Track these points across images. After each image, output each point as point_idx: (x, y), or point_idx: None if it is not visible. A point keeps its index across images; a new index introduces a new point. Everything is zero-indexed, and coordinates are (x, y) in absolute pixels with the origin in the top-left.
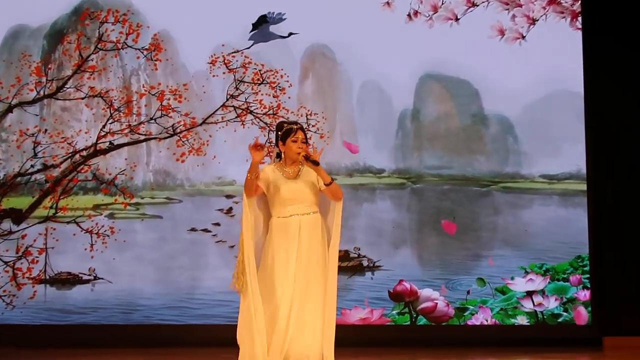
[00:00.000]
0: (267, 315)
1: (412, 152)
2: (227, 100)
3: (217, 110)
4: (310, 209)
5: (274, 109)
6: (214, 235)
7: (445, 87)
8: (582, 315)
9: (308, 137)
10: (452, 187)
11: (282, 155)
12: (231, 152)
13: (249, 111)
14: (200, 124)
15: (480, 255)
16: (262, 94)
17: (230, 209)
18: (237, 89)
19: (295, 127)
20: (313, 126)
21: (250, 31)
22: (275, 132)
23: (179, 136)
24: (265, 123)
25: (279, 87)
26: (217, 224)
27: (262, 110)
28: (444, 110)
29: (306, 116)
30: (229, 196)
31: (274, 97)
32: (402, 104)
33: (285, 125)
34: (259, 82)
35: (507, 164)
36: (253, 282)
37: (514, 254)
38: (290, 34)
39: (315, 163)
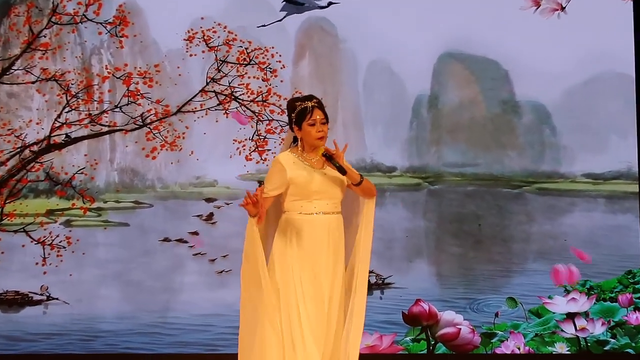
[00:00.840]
0: (284, 340)
1: (429, 146)
2: (208, 84)
3: (195, 96)
4: (336, 208)
5: (264, 95)
6: (191, 246)
7: (469, 68)
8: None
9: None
10: (477, 188)
11: (300, 141)
12: (212, 147)
13: (233, 97)
14: (175, 113)
15: (511, 270)
16: (249, 77)
17: (211, 215)
18: (219, 70)
19: (310, 104)
20: None
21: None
22: (287, 113)
23: (149, 128)
24: (253, 112)
25: (270, 68)
26: (195, 233)
27: (249, 97)
28: (467, 96)
29: None
30: (209, 200)
31: (263, 80)
32: (417, 89)
33: (298, 104)
34: (246, 62)
35: (543, 160)
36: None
37: (551, 269)
38: (330, 3)
39: (341, 170)
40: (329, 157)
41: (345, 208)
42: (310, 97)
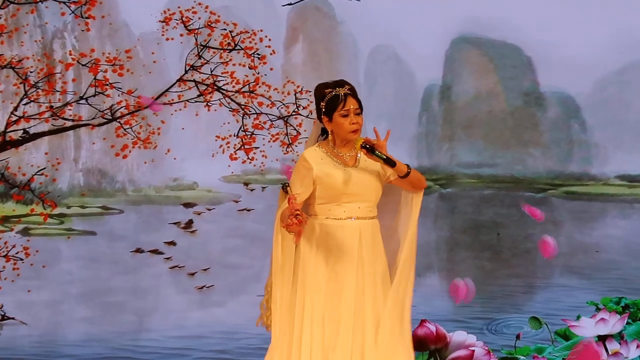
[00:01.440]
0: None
1: (441, 143)
2: (186, 72)
3: (172, 86)
4: (371, 212)
5: (251, 85)
6: (168, 258)
7: (486, 54)
8: None
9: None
10: (495, 192)
11: (330, 134)
12: (192, 144)
13: (215, 88)
14: (150, 106)
15: (534, 285)
16: (234, 65)
17: (190, 222)
18: (199, 57)
19: (342, 91)
20: (304, 108)
21: None
22: (315, 101)
23: (119, 122)
24: (239, 105)
25: (258, 54)
26: (172, 243)
27: (234, 87)
28: (484, 87)
29: (295, 94)
30: (188, 205)
31: (250, 68)
32: (427, 78)
33: (328, 91)
34: (230, 48)
35: (572, 160)
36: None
37: (581, 284)
38: None
39: (388, 162)
40: (370, 149)
41: (384, 207)
42: (341, 83)
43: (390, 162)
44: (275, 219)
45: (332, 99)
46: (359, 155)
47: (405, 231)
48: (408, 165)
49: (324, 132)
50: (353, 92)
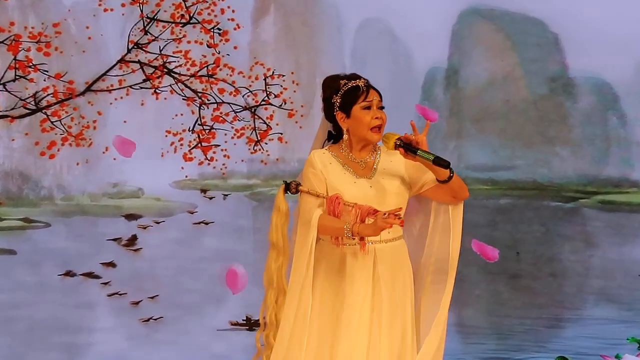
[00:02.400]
0: None
1: (446, 141)
2: (129, 52)
3: (111, 69)
4: (390, 233)
5: (210, 68)
6: (105, 283)
7: (502, 30)
8: None
9: (268, 113)
10: (513, 200)
11: (345, 135)
12: (136, 141)
13: (165, 71)
14: (83, 93)
15: (562, 317)
16: (188, 42)
17: (134, 238)
18: (145, 32)
19: (361, 83)
20: (276, 96)
21: None
22: (325, 97)
23: (45, 114)
24: (195, 92)
25: (218, 29)
26: (111, 265)
27: (188, 70)
28: (501, 71)
29: (264, 79)
30: (131, 216)
31: (209, 46)
32: (429, 60)
33: (344, 82)
34: (184, 21)
35: (608, 161)
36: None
37: (620, 315)
38: None
39: (439, 162)
40: (409, 147)
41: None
42: (356, 76)
43: (442, 162)
44: (302, 229)
45: (351, 90)
46: (377, 160)
47: (441, 258)
48: (450, 166)
49: (332, 136)
50: (373, 86)
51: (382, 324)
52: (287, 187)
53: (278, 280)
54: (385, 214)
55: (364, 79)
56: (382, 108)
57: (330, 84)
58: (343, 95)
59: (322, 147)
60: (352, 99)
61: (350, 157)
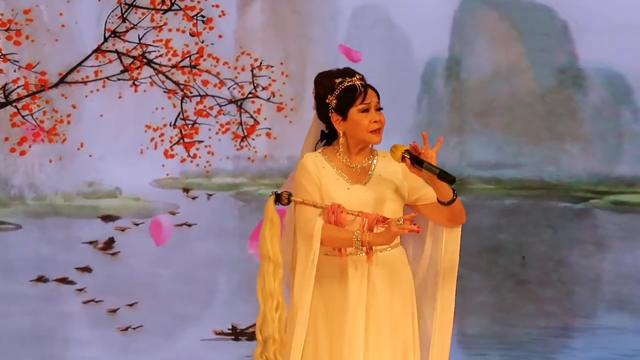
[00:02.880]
0: None
1: (448, 136)
2: (106, 41)
3: (86, 59)
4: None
5: (193, 58)
6: (80, 289)
7: (508, 18)
8: None
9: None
10: (519, 201)
11: (340, 137)
12: (113, 137)
13: (145, 61)
14: (56, 85)
15: (571, 327)
16: (170, 30)
17: (111, 241)
18: (124, 20)
19: (358, 82)
20: (264, 88)
21: None
22: (317, 96)
23: (15, 107)
24: (177, 84)
25: (202, 17)
26: (86, 270)
27: (170, 60)
28: (506, 62)
29: (251, 70)
30: (108, 218)
31: (192, 35)
32: (429, 50)
33: (338, 80)
34: (165, 7)
35: (621, 159)
36: None
37: (633, 325)
38: None
39: (444, 176)
40: (416, 159)
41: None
42: (351, 72)
43: (447, 178)
44: (302, 243)
45: (346, 90)
46: (373, 165)
47: (434, 284)
48: (454, 189)
49: (325, 136)
50: (370, 85)
51: (380, 340)
52: (278, 198)
53: (278, 295)
54: (399, 220)
55: (359, 74)
56: (380, 109)
57: (324, 82)
58: (339, 96)
59: (315, 149)
60: (349, 101)
61: (345, 162)
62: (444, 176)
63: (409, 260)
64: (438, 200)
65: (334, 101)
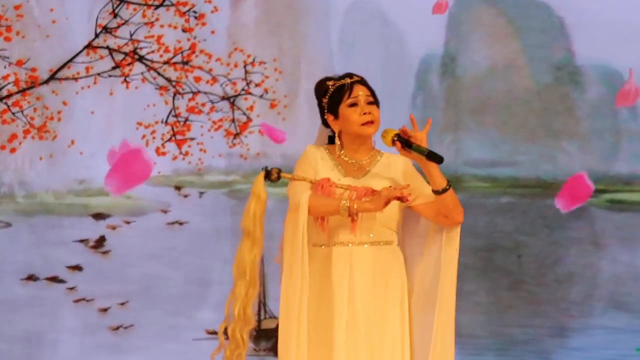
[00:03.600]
0: None
1: (443, 134)
2: (97, 36)
3: (77, 55)
4: (381, 236)
5: (185, 54)
6: (71, 288)
7: (504, 14)
8: None
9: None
10: (515, 199)
11: (337, 138)
12: (104, 135)
13: (137, 57)
14: (47, 81)
15: (567, 326)
16: (162, 26)
17: (102, 239)
18: (115, 15)
19: (347, 81)
20: (257, 85)
21: None
22: (317, 102)
23: (5, 104)
24: (169, 80)
25: (194, 12)
26: (77, 268)
27: (162, 56)
28: (502, 58)
29: (244, 67)
30: (98, 216)
31: (184, 31)
32: (424, 46)
33: (331, 84)
34: (157, 2)
35: (617, 157)
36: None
37: (630, 324)
38: None
39: (432, 156)
40: (406, 142)
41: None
42: (349, 74)
43: (435, 157)
44: (291, 215)
45: (335, 90)
46: (372, 162)
47: (434, 290)
48: (448, 181)
49: (331, 141)
50: (363, 82)
51: (356, 334)
52: (267, 175)
53: (251, 272)
54: (390, 186)
55: (358, 76)
56: (373, 103)
57: (319, 88)
58: (330, 96)
59: (322, 144)
60: (338, 99)
61: (344, 158)
62: (432, 156)
63: (407, 262)
64: (433, 190)
65: (327, 102)
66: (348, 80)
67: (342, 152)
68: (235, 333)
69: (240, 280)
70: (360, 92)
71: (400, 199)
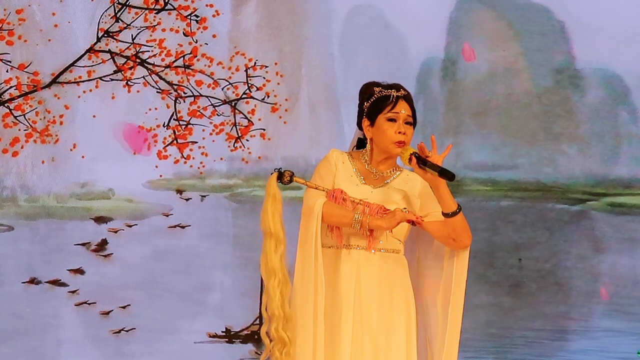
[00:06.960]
0: None
1: (443, 137)
2: (99, 40)
3: (79, 59)
4: (390, 244)
5: (187, 58)
6: (73, 292)
7: (504, 18)
8: None
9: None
10: (515, 202)
11: (368, 144)
12: (106, 138)
13: (138, 61)
14: (49, 85)
15: (567, 329)
16: (163, 30)
17: (104, 243)
18: (117, 19)
19: (394, 93)
20: (259, 89)
21: None
22: (359, 102)
23: (7, 108)
24: (171, 84)
25: (196, 16)
26: (79, 272)
27: (163, 60)
28: (502, 62)
29: (245, 71)
30: (100, 219)
31: (186, 35)
32: (424, 50)
33: (378, 89)
34: (159, 7)
35: (618, 160)
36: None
37: (630, 327)
38: None
39: (445, 174)
40: (422, 160)
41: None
42: (397, 86)
43: (447, 175)
44: (304, 219)
45: (380, 98)
46: (393, 175)
47: (442, 307)
48: (459, 205)
49: (361, 143)
50: (408, 99)
51: (363, 342)
52: (280, 177)
53: (281, 270)
54: (404, 209)
55: (405, 90)
56: (410, 124)
57: (365, 90)
58: (372, 102)
59: (349, 148)
60: (379, 108)
61: (366, 166)
62: (444, 173)
63: (422, 275)
64: (443, 213)
65: (368, 106)
66: (394, 93)
67: (365, 160)
68: (280, 332)
69: (272, 280)
70: (402, 109)
71: (413, 222)
